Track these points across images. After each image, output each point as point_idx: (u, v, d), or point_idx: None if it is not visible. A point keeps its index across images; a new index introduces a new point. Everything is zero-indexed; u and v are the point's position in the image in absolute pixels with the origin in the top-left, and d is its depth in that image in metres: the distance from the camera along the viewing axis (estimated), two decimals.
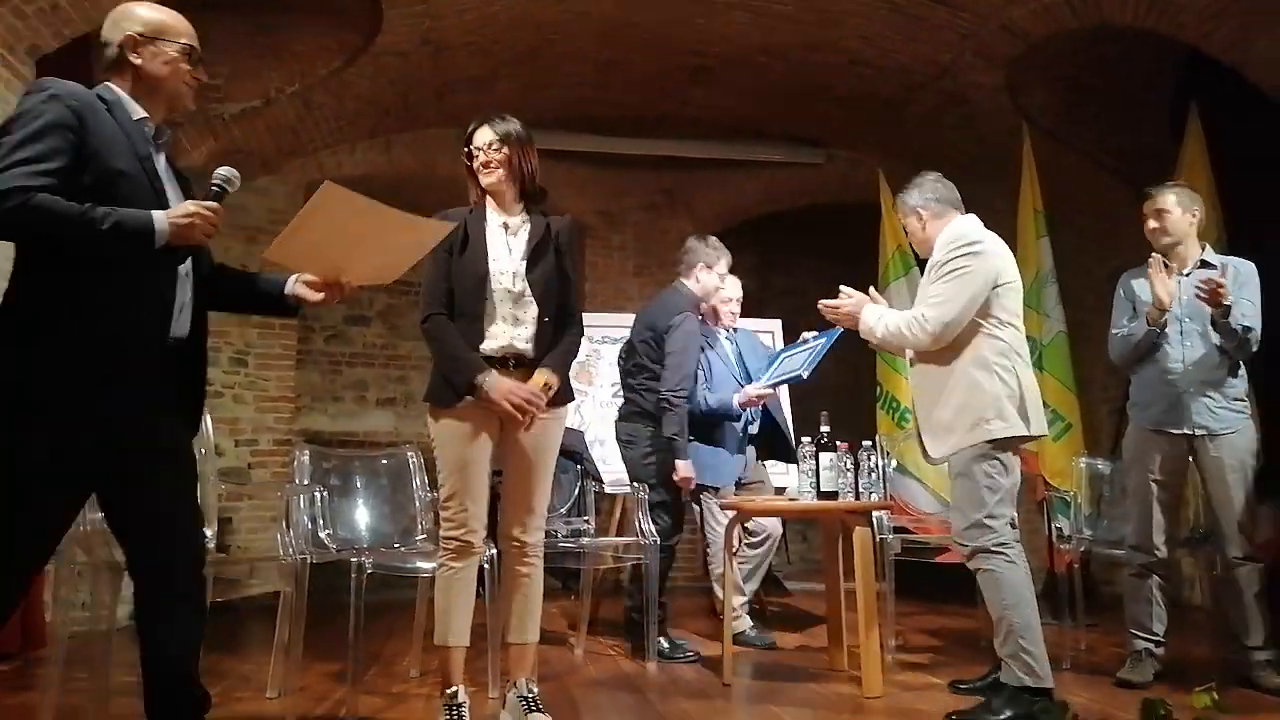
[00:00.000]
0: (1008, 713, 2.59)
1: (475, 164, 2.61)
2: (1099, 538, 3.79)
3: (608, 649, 3.87)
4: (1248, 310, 3.13)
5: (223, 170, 2.02)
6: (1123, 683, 3.12)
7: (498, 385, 2.45)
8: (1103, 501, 3.92)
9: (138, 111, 2.02)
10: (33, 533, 1.91)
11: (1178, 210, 3.27)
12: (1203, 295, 3.05)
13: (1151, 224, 3.31)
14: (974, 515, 2.73)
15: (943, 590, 5.30)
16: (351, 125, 5.64)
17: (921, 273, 5.54)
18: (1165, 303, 3.15)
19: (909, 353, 3.00)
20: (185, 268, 2.04)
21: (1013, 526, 2.78)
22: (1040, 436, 2.92)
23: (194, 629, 2.11)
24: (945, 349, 2.80)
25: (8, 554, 1.88)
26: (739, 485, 4.00)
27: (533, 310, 2.55)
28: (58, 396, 1.85)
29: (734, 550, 3.53)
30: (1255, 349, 3.14)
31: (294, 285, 2.21)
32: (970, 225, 2.92)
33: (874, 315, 2.91)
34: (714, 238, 3.95)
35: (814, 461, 3.15)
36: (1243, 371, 3.23)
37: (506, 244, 2.58)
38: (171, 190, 2.06)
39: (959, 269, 2.78)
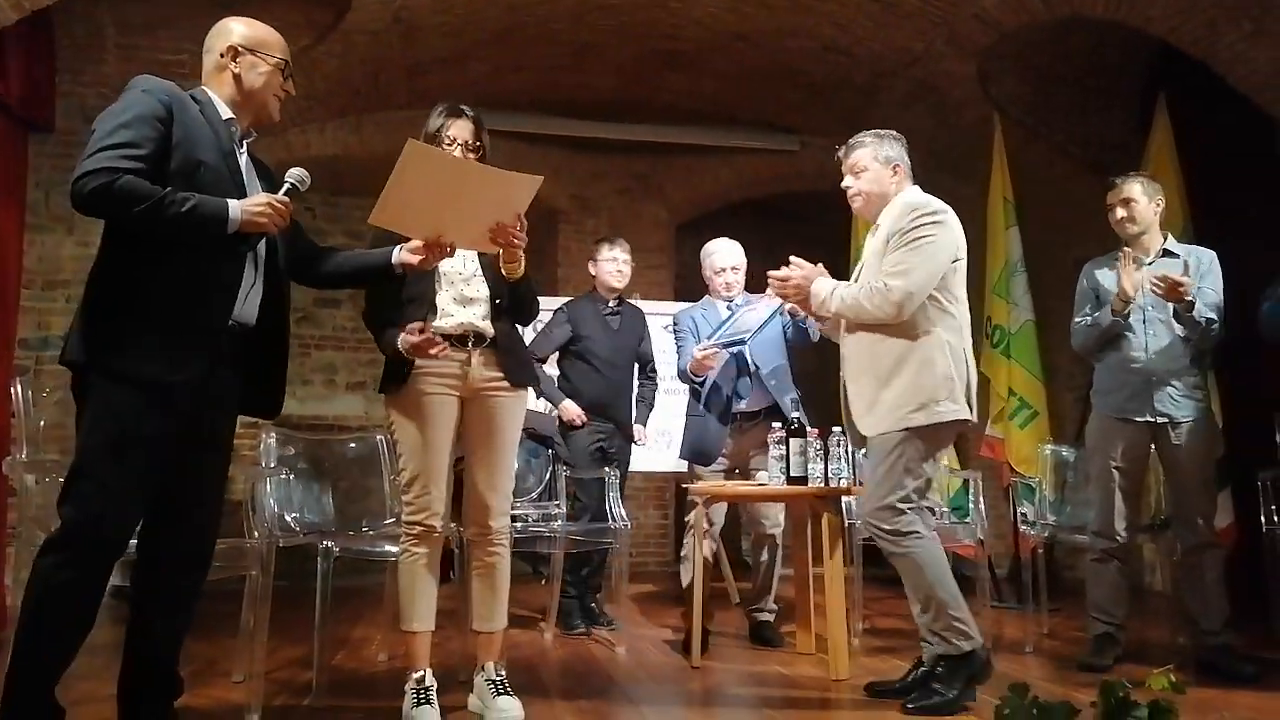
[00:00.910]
0: (957, 687, 2.57)
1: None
2: (1062, 524, 3.85)
3: (578, 633, 3.88)
4: (1210, 299, 3.17)
5: (296, 170, 2.20)
6: (1084, 666, 3.17)
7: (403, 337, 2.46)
8: (1066, 488, 3.97)
9: (226, 113, 2.20)
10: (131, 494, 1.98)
11: (1144, 199, 3.31)
12: (1158, 292, 3.09)
13: (1119, 213, 3.33)
14: (889, 498, 2.64)
15: None
16: (321, 105, 5.57)
17: None
18: (1130, 295, 3.18)
19: (842, 326, 2.87)
20: (257, 254, 2.18)
21: (920, 497, 2.68)
22: (970, 423, 2.77)
23: (187, 617, 2.20)
24: (904, 323, 2.67)
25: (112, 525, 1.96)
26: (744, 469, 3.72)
27: (485, 291, 2.57)
28: (135, 371, 1.98)
29: (704, 531, 3.52)
30: (1217, 336, 3.19)
31: (399, 254, 2.37)
32: (925, 195, 2.81)
33: (827, 287, 2.77)
34: (613, 238, 4.21)
35: (784, 447, 3.17)
36: (1204, 360, 3.28)
37: None
38: (253, 186, 2.22)
39: (924, 237, 2.65)
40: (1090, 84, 5.35)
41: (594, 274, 4.16)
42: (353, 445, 3.44)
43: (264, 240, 2.19)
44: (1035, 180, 5.48)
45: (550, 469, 4.03)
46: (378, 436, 3.48)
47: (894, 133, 2.91)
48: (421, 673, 2.48)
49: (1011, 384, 4.96)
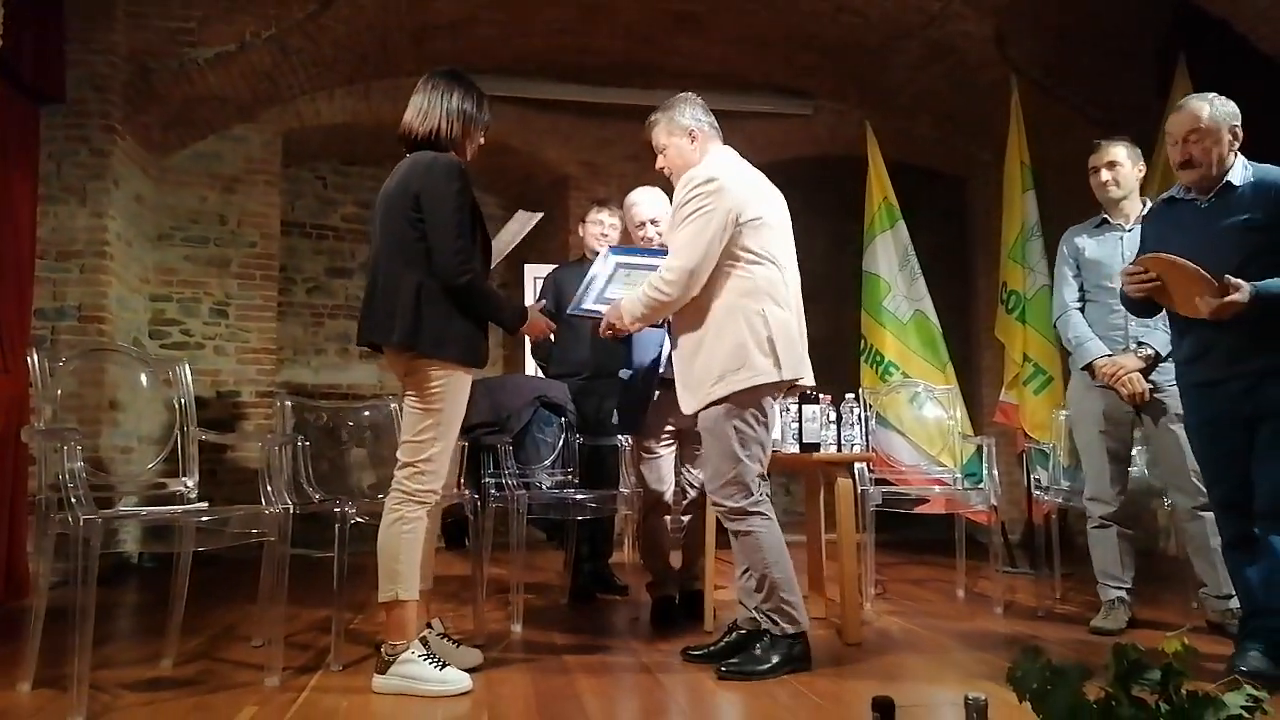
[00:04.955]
0: (775, 659, 2.60)
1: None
2: (1076, 489, 3.83)
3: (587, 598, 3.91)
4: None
5: None
6: (1097, 630, 3.19)
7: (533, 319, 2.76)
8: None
9: None
10: None
11: (1128, 163, 3.28)
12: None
13: (1104, 175, 3.30)
14: (727, 473, 2.64)
15: (921, 540, 5.40)
16: (329, 72, 5.53)
17: (907, 225, 5.52)
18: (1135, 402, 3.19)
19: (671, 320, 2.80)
20: None
21: (763, 479, 2.69)
22: (798, 380, 2.73)
23: None
24: (697, 298, 2.65)
25: None
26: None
27: None
28: None
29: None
30: None
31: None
32: (720, 158, 2.79)
33: (630, 302, 2.73)
34: (609, 201, 4.15)
35: (797, 413, 3.16)
36: None
37: None
38: None
39: (698, 210, 2.62)
40: (1109, 45, 5.26)
41: (582, 236, 4.14)
42: (367, 413, 3.46)
43: None
44: (1053, 143, 5.41)
45: (563, 437, 4.04)
46: (392, 404, 3.49)
47: (686, 95, 2.86)
48: (418, 639, 2.51)
49: (1027, 349, 4.93)
